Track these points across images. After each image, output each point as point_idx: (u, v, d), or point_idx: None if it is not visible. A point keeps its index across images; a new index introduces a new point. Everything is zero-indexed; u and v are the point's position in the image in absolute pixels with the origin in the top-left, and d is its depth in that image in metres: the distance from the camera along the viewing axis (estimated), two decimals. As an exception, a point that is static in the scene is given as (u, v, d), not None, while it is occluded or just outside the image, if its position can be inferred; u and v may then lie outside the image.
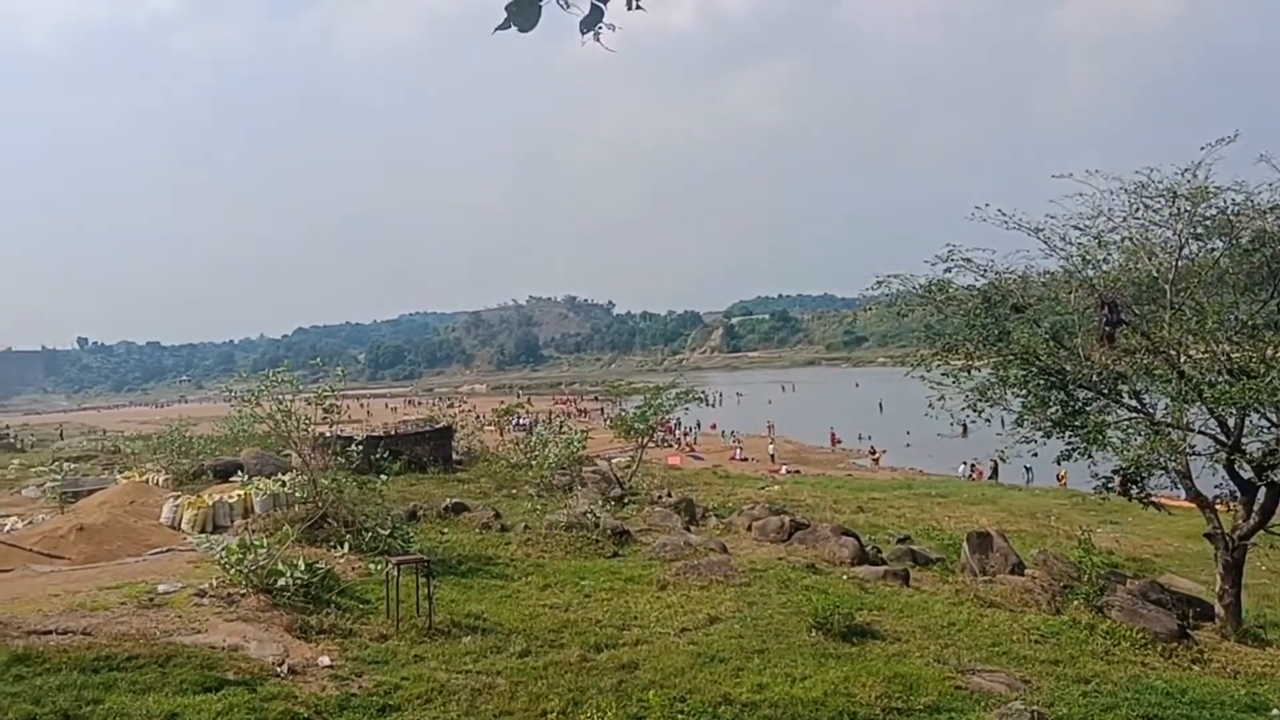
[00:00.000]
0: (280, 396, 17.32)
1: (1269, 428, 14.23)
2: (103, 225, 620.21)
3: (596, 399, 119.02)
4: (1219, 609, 14.96)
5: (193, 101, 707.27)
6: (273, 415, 17.16)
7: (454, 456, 32.14)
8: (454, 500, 21.34)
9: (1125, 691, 10.45)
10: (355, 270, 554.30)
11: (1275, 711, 10.27)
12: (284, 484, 18.81)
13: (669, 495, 26.49)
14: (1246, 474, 14.74)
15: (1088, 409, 15.29)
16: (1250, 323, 14.70)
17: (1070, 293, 15.74)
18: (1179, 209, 14.68)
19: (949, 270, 16.03)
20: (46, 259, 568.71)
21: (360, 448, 18.61)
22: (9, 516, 22.40)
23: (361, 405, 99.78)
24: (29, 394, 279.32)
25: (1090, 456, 15.22)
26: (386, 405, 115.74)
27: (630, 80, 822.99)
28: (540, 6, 3.96)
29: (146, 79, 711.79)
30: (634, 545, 18.10)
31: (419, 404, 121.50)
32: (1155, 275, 15.27)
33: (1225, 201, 14.48)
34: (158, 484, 24.10)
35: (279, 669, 9.52)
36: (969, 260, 15.94)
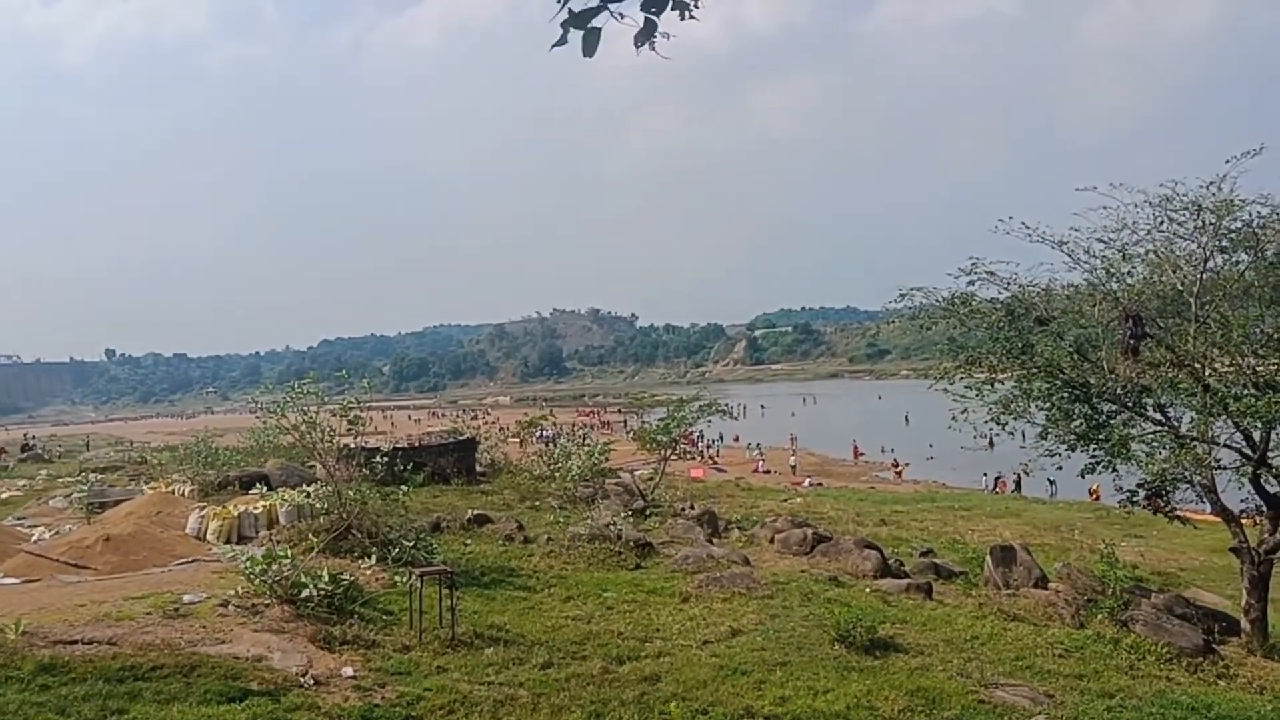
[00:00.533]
0: (305, 408, 17.42)
1: (1295, 441, 14.16)
2: (133, 236, 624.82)
3: (620, 411, 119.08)
4: (1245, 624, 14.85)
5: (226, 116, 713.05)
6: (298, 427, 17.25)
7: (477, 468, 32.22)
8: (477, 512, 21.39)
9: (1150, 706, 10.39)
10: (380, 282, 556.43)
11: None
12: (309, 495, 18.91)
13: (691, 507, 26.44)
14: (1273, 488, 14.67)
15: (1112, 422, 15.24)
16: (1276, 336, 14.64)
17: (1094, 306, 15.70)
18: (1204, 222, 14.64)
19: (972, 283, 16.03)
20: (78, 273, 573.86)
21: (384, 459, 18.69)
22: (36, 527, 22.61)
23: (385, 417, 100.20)
24: (57, 405, 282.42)
25: (1115, 470, 15.17)
26: (410, 417, 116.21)
27: (655, 92, 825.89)
28: (599, 29, 4.01)
29: (179, 94, 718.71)
30: (656, 557, 18.11)
31: (443, 416, 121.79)
32: (1180, 288, 15.21)
33: (1250, 214, 14.46)
34: (183, 495, 24.26)
35: (303, 679, 9.58)
36: (992, 273, 15.94)
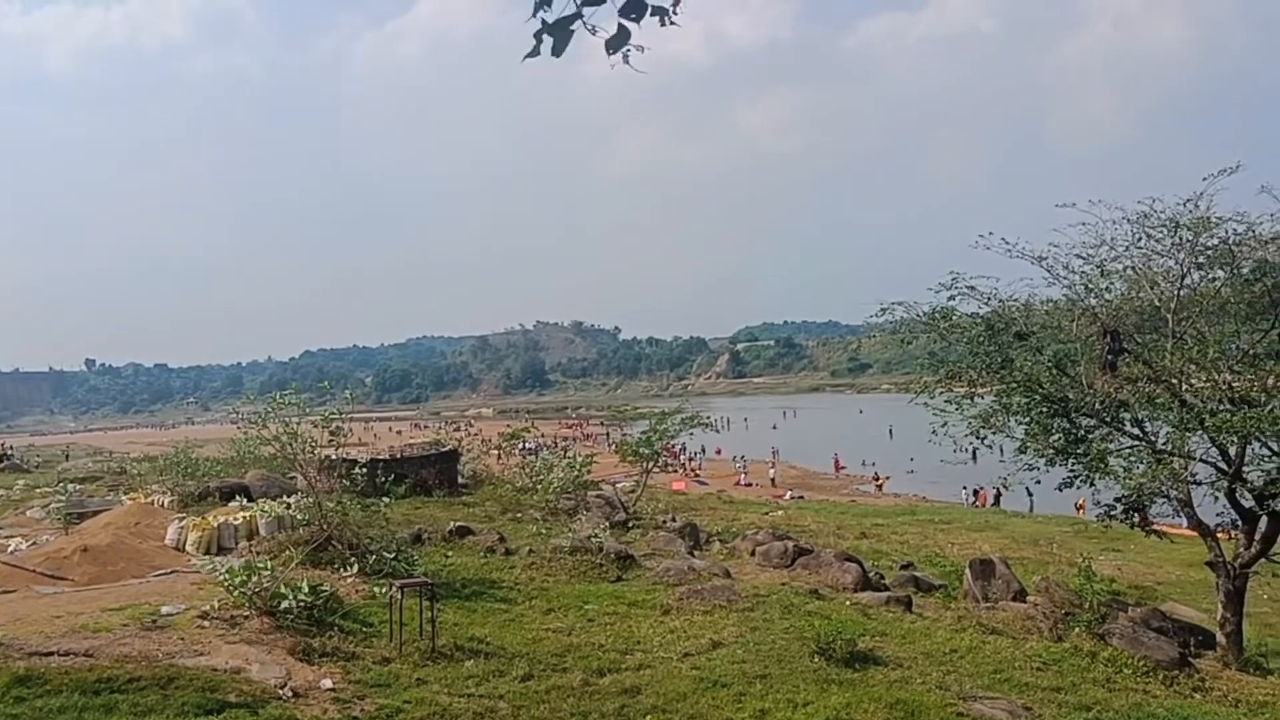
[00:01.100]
0: (287, 419, 17.40)
1: (1270, 456, 14.29)
2: (114, 245, 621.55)
3: (602, 424, 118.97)
4: (1221, 637, 14.94)
5: (208, 125, 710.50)
6: (279, 437, 17.23)
7: (459, 480, 32.16)
8: (459, 524, 21.36)
9: (1127, 719, 10.47)
10: (364, 293, 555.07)
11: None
12: (289, 506, 18.86)
13: (673, 520, 26.46)
14: (1248, 502, 14.77)
15: (1090, 437, 15.33)
16: (1251, 352, 14.78)
17: (1073, 321, 15.80)
18: (1181, 239, 14.77)
19: (952, 298, 16.12)
20: (57, 280, 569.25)
21: (365, 470, 18.65)
22: (13, 537, 22.41)
23: (368, 428, 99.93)
24: (36, 414, 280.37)
25: (1092, 484, 15.26)
26: (391, 429, 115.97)
27: (640, 106, 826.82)
28: (573, 31, 4.03)
29: (160, 102, 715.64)
30: (638, 570, 18.13)
31: (425, 427, 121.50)
32: (1157, 304, 15.36)
33: (1227, 232, 14.58)
34: (163, 505, 24.13)
35: (281, 691, 9.56)
36: (972, 288, 16.02)
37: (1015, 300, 16.35)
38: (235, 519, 19.12)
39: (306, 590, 12.25)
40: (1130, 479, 14.45)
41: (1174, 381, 14.63)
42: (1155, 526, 16.25)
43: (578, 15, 4.00)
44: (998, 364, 15.72)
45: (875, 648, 12.88)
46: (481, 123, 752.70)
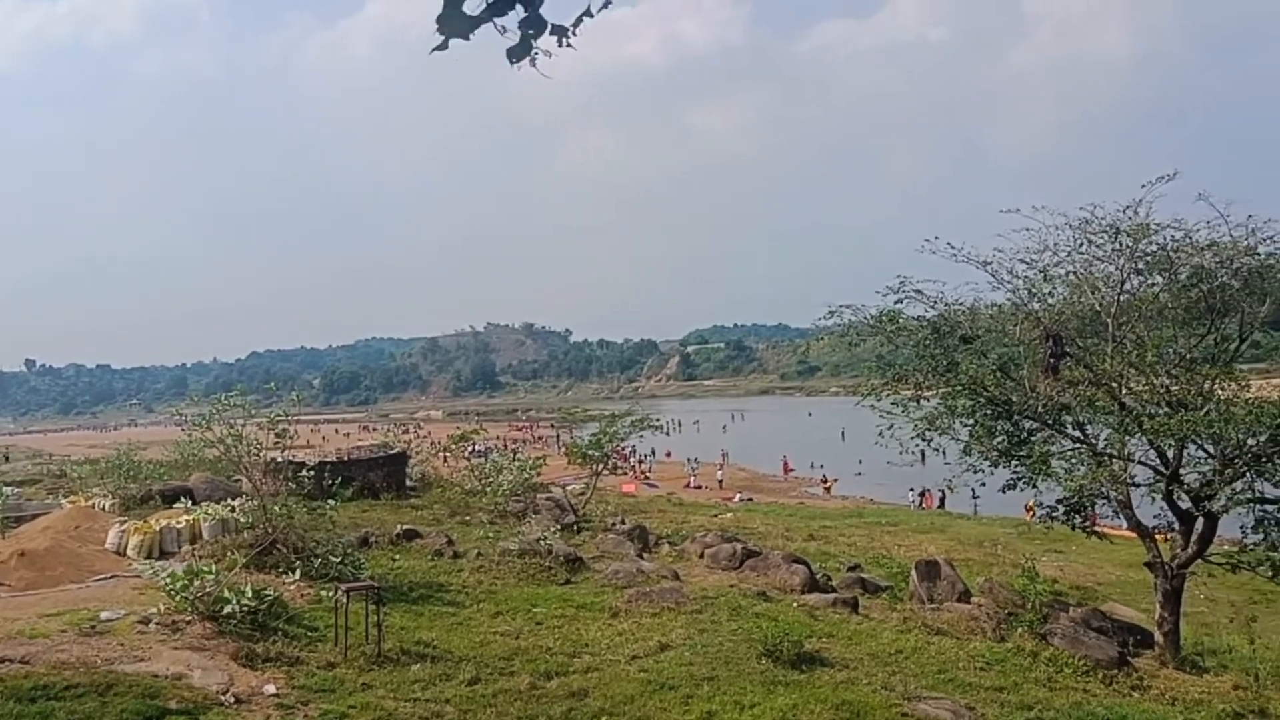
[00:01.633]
0: (232, 421, 17.17)
1: (1206, 459, 14.57)
2: (58, 244, 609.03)
3: (552, 426, 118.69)
4: (1158, 636, 15.21)
5: (155, 123, 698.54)
6: (223, 440, 17.00)
7: (408, 483, 31.90)
8: (406, 527, 21.20)
9: (1067, 718, 10.64)
10: (312, 294, 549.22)
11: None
12: (233, 509, 18.61)
13: (623, 522, 26.45)
14: (1185, 504, 15.05)
15: (1033, 439, 15.56)
16: (1188, 356, 15.09)
17: (1016, 325, 16.06)
18: (1121, 245, 15.04)
19: (900, 301, 16.29)
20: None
21: (312, 473, 18.45)
22: (-51, 542, 21.92)
23: (315, 430, 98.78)
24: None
25: (1035, 486, 15.48)
26: (338, 431, 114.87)
27: (593, 108, 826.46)
28: (469, 18, 4.02)
29: (107, 100, 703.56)
30: (587, 572, 18.11)
31: (374, 430, 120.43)
32: (1098, 309, 15.62)
33: (1165, 238, 14.86)
34: (104, 509, 23.70)
35: (223, 698, 9.44)
36: (919, 292, 16.22)
37: (961, 304, 16.59)
38: (178, 522, 18.82)
39: (250, 595, 12.09)
40: (1071, 481, 14.68)
41: (1114, 385, 14.90)
42: (1096, 528, 16.51)
43: (488, 19, 4.02)
44: (943, 367, 15.91)
45: (822, 649, 12.97)
46: (434, 125, 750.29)
